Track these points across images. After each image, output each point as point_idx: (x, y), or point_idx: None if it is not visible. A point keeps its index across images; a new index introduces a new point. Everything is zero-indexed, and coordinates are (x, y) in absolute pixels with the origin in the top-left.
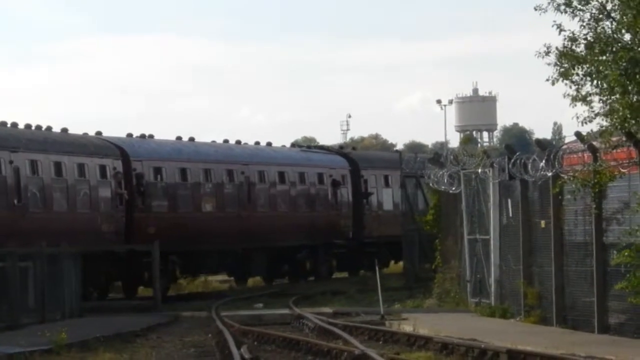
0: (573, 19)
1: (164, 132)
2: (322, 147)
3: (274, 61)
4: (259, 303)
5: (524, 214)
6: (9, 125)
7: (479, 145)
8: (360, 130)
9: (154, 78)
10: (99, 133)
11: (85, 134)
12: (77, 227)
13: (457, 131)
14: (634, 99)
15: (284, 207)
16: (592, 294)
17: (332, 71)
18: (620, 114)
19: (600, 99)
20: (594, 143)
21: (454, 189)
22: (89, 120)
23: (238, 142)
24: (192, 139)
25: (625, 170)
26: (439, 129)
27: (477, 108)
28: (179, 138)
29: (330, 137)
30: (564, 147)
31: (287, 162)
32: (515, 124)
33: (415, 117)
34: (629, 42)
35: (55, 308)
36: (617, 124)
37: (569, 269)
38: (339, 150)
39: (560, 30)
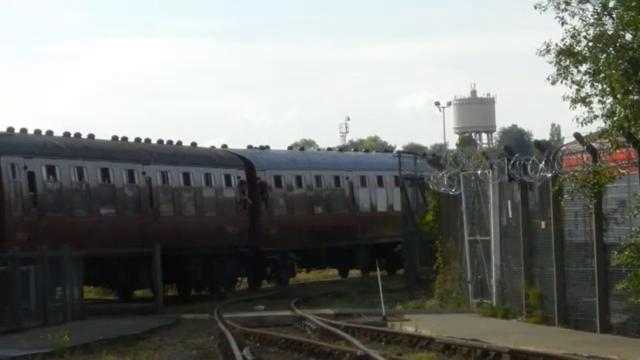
0: (573, 17)
1: (170, 134)
2: (414, 153)
3: (273, 61)
4: (260, 305)
5: (524, 215)
6: (142, 141)
7: (478, 146)
8: (359, 132)
9: (153, 79)
10: (224, 146)
11: (212, 147)
12: (205, 229)
13: (456, 133)
14: (635, 99)
15: (382, 207)
16: (594, 294)
17: (328, 72)
18: (622, 115)
19: (599, 100)
20: (593, 144)
21: (453, 190)
22: (89, 122)
23: (341, 150)
24: (302, 149)
25: (625, 171)
26: (437, 131)
27: (475, 110)
28: (290, 148)
29: (329, 139)
30: (563, 148)
31: (384, 167)
32: (514, 126)
33: (414, 119)
34: (630, 42)
35: (57, 311)
36: (616, 126)
37: (570, 269)
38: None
39: (563, 23)
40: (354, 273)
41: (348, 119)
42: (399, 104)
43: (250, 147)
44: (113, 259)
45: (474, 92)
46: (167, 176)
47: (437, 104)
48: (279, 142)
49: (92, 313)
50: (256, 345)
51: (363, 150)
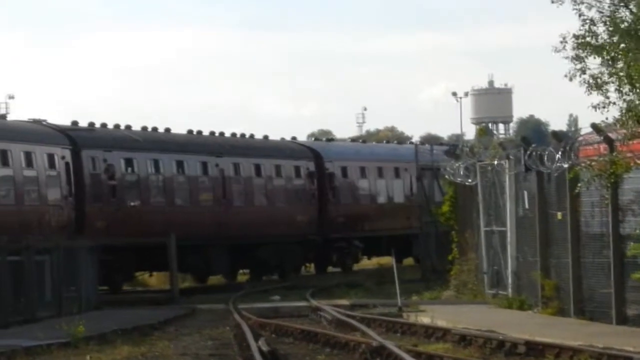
0: (590, 9)
1: (187, 125)
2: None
3: (290, 52)
4: (275, 295)
5: (540, 206)
6: (216, 134)
7: (495, 137)
8: (375, 122)
9: (172, 70)
10: (293, 138)
11: (282, 138)
12: (275, 218)
13: (473, 123)
14: None
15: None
16: (610, 285)
17: (346, 63)
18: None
19: (616, 89)
20: (610, 135)
21: (470, 181)
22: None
23: (399, 143)
24: (364, 141)
25: None
26: (454, 122)
27: (492, 100)
28: (354, 140)
29: (346, 129)
30: (580, 138)
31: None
32: (531, 116)
33: (431, 109)
34: None
35: (72, 301)
36: (633, 116)
37: (586, 260)
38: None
39: (580, 15)
40: (409, 262)
41: (365, 109)
42: (416, 94)
43: (316, 138)
44: (188, 246)
45: (491, 83)
46: (239, 168)
47: (455, 94)
48: (298, 133)
49: (108, 303)
50: (272, 336)
51: (385, 141)
